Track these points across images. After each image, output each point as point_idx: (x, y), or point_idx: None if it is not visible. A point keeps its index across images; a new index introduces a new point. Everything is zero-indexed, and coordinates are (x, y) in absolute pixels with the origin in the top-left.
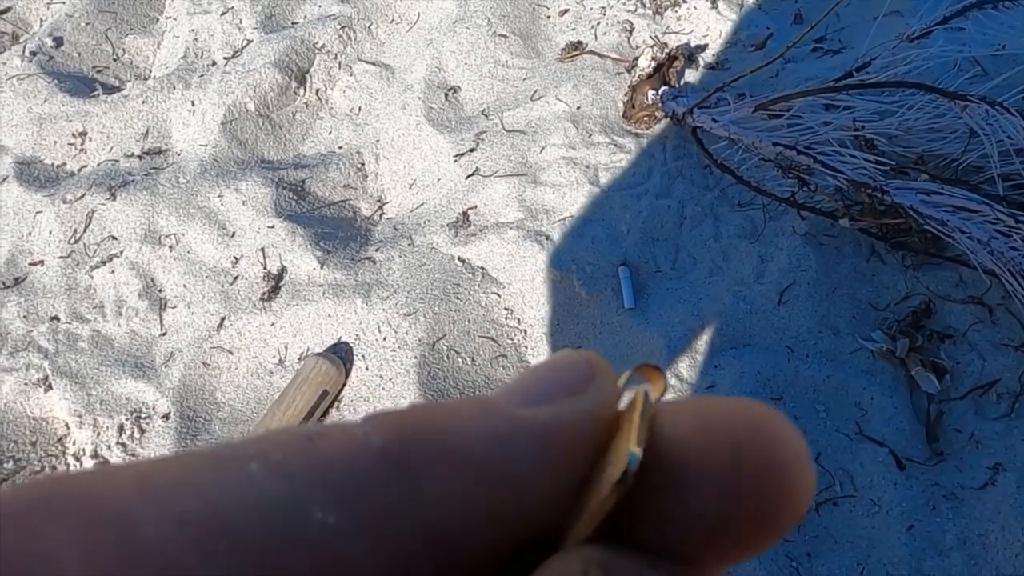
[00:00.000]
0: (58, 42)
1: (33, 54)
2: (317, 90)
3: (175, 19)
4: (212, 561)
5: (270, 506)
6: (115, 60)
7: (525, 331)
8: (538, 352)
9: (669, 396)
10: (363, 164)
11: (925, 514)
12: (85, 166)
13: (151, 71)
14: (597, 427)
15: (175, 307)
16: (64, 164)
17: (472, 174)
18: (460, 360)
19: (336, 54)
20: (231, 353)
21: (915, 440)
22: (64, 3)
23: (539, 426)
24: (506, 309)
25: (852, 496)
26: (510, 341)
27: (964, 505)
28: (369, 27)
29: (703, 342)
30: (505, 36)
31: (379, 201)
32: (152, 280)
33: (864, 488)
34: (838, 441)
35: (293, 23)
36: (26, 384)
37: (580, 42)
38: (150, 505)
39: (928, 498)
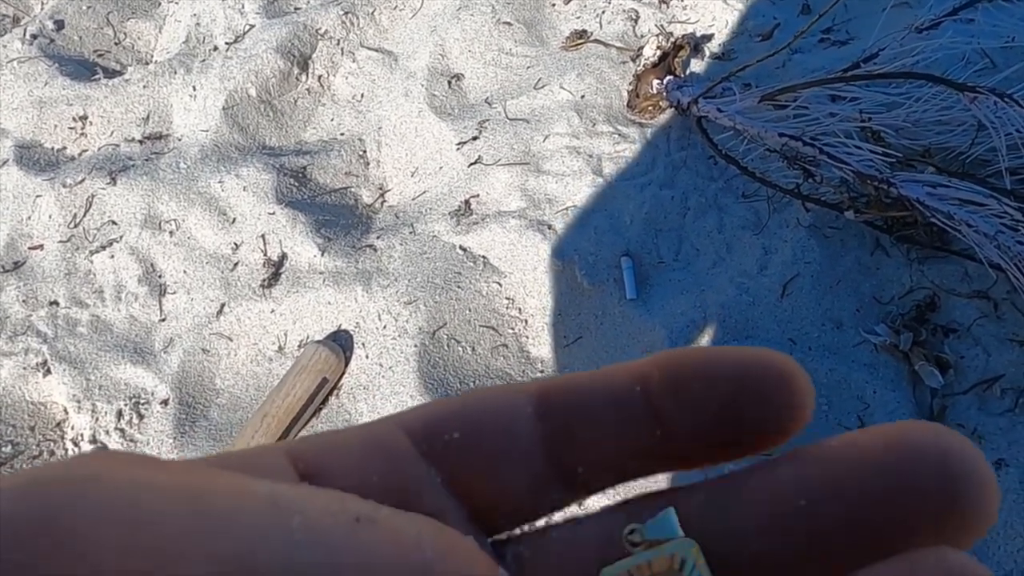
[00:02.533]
0: (59, 25)
1: (34, 37)
2: (319, 76)
3: (177, 3)
4: None
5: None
6: (116, 44)
7: (526, 321)
8: (539, 342)
9: None
10: (365, 151)
11: None
12: (85, 150)
13: (152, 55)
14: None
15: (175, 293)
16: (64, 148)
17: (474, 162)
18: (460, 349)
19: (339, 40)
20: (230, 340)
21: None
22: None
23: None
24: (507, 298)
25: None
26: (511, 331)
27: None
28: (372, 13)
29: (705, 334)
30: (509, 24)
31: (381, 189)
32: (152, 266)
33: None
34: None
35: (296, 8)
36: (25, 368)
37: (585, 30)
38: (198, 543)
39: None
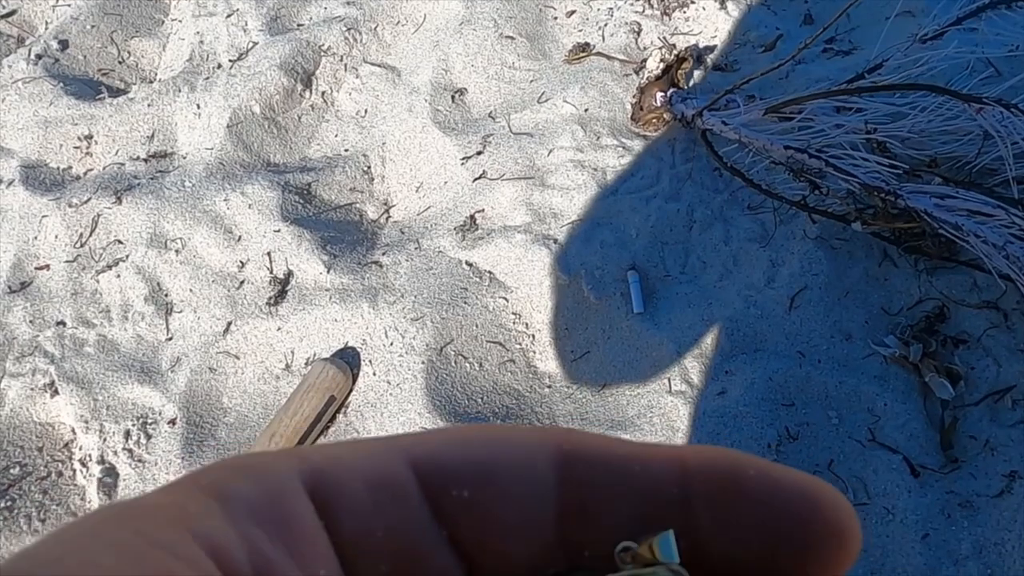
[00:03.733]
0: (63, 45)
1: (39, 57)
2: (323, 93)
3: (180, 21)
4: None
5: None
6: (120, 63)
7: (533, 336)
8: (546, 357)
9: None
10: (369, 167)
11: (940, 522)
12: (91, 169)
13: (156, 74)
14: None
15: (181, 312)
16: (70, 168)
17: (479, 177)
18: (468, 365)
19: (342, 56)
20: (238, 358)
21: (929, 447)
22: (69, 6)
23: None
24: (514, 314)
25: (865, 504)
26: (518, 346)
27: (980, 513)
28: (375, 29)
29: (713, 347)
30: (512, 38)
31: (385, 204)
32: (158, 284)
33: (877, 496)
34: (851, 448)
35: (299, 25)
36: (32, 389)
37: (587, 44)
38: None
39: (943, 506)
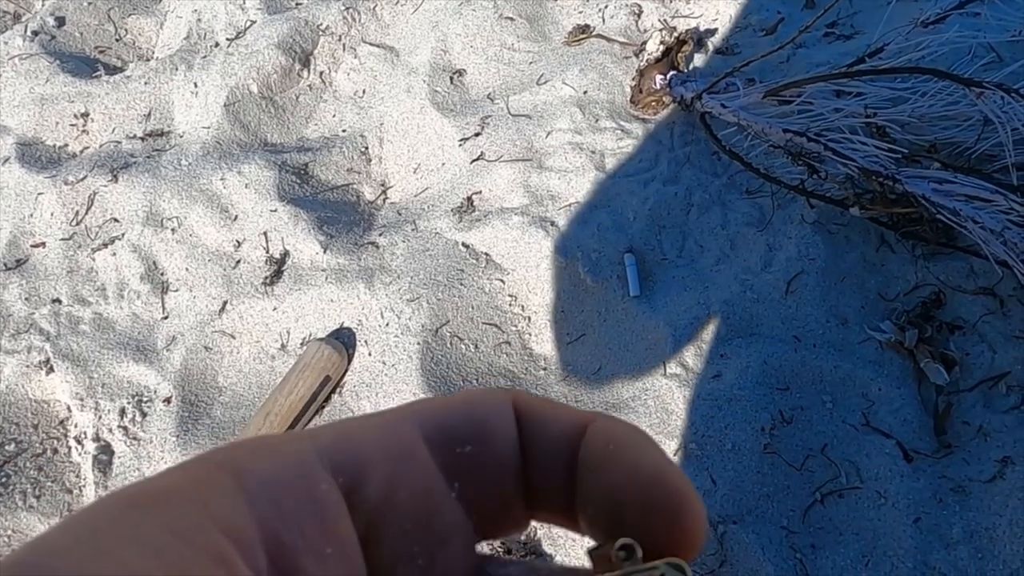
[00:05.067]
0: (60, 22)
1: (35, 34)
2: (321, 72)
3: None
4: None
5: None
6: (117, 40)
7: (529, 318)
8: (542, 339)
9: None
10: (367, 148)
11: (932, 507)
12: (87, 147)
13: (154, 52)
14: None
15: (177, 290)
16: (66, 145)
17: (477, 159)
18: (463, 347)
19: (340, 36)
20: (233, 337)
21: (923, 432)
22: None
23: None
24: (510, 296)
25: (858, 488)
26: (514, 328)
27: (972, 498)
28: (374, 8)
29: (709, 331)
30: (512, 19)
31: (383, 185)
32: (154, 263)
33: (870, 480)
34: (844, 432)
35: (297, 4)
36: (28, 367)
37: (587, 25)
38: None
39: (935, 491)
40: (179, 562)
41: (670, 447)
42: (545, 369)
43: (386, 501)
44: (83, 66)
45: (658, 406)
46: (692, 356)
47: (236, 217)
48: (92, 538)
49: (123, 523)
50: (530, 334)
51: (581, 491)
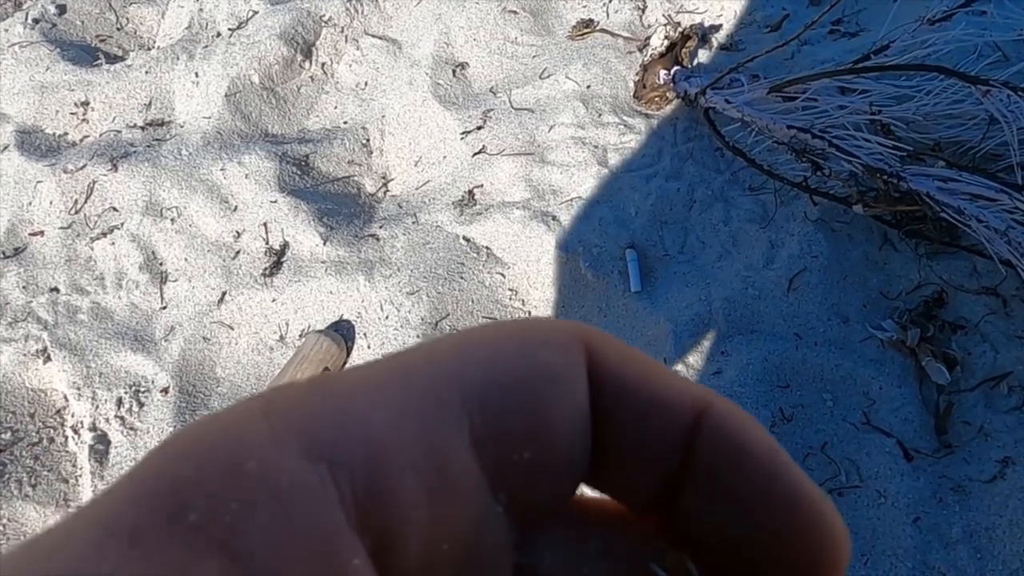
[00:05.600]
0: (61, 9)
1: (36, 21)
2: (323, 64)
3: None
4: None
5: None
6: (118, 29)
7: (529, 312)
8: None
9: None
10: (368, 140)
11: (932, 506)
12: (87, 136)
13: (155, 41)
14: None
15: (176, 281)
16: (66, 134)
17: (479, 152)
18: None
19: (343, 27)
20: (232, 328)
21: (923, 431)
22: None
23: None
24: (510, 290)
25: (858, 486)
26: None
27: (972, 498)
28: (376, 0)
29: (710, 328)
30: (515, 12)
31: (384, 178)
32: (153, 253)
33: (870, 479)
34: (845, 431)
35: None
36: (25, 355)
37: (591, 20)
38: None
39: (935, 490)
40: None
41: None
42: None
43: (427, 558)
44: (84, 54)
45: None
46: (693, 352)
47: (236, 208)
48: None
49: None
50: None
51: (688, 499)
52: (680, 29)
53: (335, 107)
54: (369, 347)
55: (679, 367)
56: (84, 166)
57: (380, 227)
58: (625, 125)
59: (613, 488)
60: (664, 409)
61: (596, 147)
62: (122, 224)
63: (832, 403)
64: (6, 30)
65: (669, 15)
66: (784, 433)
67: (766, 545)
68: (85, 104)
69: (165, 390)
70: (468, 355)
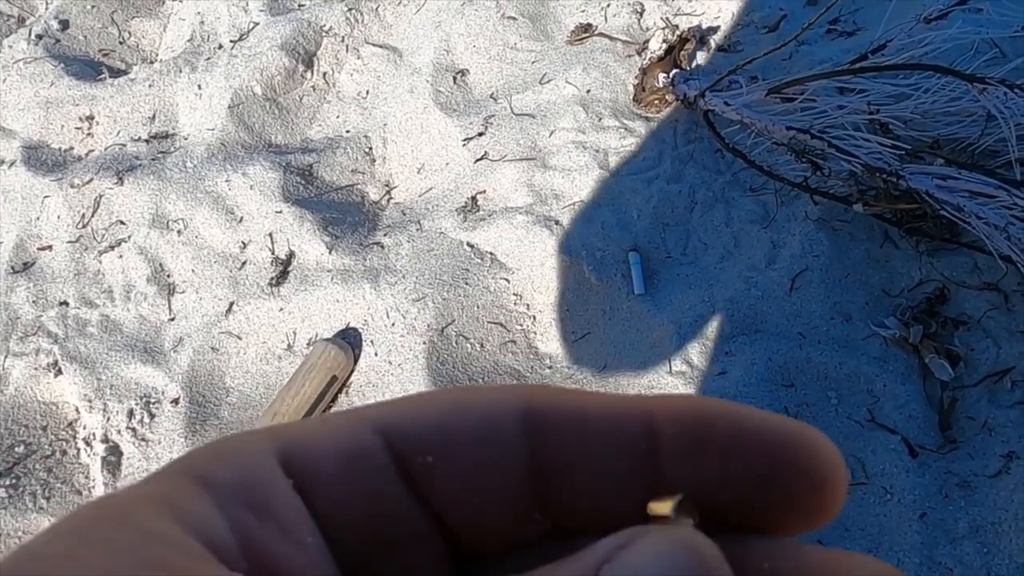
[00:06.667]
0: (64, 25)
1: (39, 37)
2: (324, 73)
3: (180, 1)
4: None
5: None
6: (121, 43)
7: (534, 317)
8: (547, 338)
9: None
10: (371, 148)
11: (937, 502)
12: (92, 150)
13: (157, 54)
14: None
15: (183, 292)
16: (71, 148)
17: (481, 158)
18: (469, 346)
19: (343, 37)
20: (240, 338)
21: (928, 428)
22: None
23: None
24: (515, 295)
25: (863, 484)
26: (519, 327)
27: (977, 493)
28: (376, 9)
29: (714, 328)
30: (514, 18)
31: (387, 186)
32: (160, 265)
33: (876, 475)
34: (850, 428)
35: (300, 5)
36: (36, 369)
37: (590, 24)
38: None
39: (941, 486)
40: (154, 560)
41: None
42: (551, 367)
43: (339, 507)
44: (87, 69)
45: None
46: (697, 353)
47: (242, 219)
48: (68, 547)
49: (96, 530)
50: (535, 333)
51: (671, 479)
52: (678, 32)
53: (337, 116)
54: (376, 354)
55: (683, 368)
56: (90, 180)
57: (384, 235)
58: (625, 128)
59: (596, 506)
60: (604, 426)
61: (597, 151)
62: (129, 237)
63: (837, 401)
64: (10, 46)
65: (667, 18)
66: None
67: (766, 494)
68: (90, 118)
69: (175, 401)
70: (390, 403)
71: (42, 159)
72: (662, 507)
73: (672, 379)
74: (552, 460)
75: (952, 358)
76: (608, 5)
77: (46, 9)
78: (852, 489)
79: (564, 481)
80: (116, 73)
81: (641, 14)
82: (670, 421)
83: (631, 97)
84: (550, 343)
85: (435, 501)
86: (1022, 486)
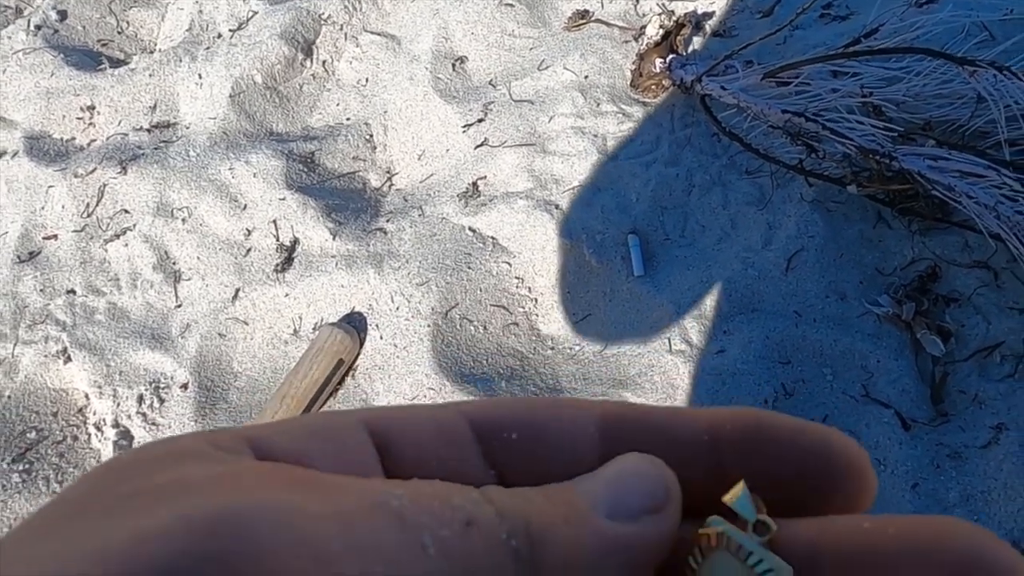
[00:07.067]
0: (62, 15)
1: (38, 28)
2: (323, 62)
3: None
4: None
5: None
6: (119, 33)
7: (536, 299)
8: (549, 320)
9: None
10: (371, 136)
11: (929, 472)
12: (94, 140)
13: (155, 44)
14: (668, 545)
15: (189, 279)
16: (73, 138)
17: (481, 144)
18: (472, 328)
19: (342, 25)
20: (246, 324)
21: (920, 401)
22: None
23: (627, 547)
24: (517, 278)
25: None
26: (521, 309)
27: (967, 464)
28: None
29: (712, 308)
30: (511, 5)
31: (388, 172)
32: (166, 253)
33: (870, 448)
34: (845, 403)
35: None
36: (45, 356)
37: (586, 11)
38: (348, 556)
39: (932, 457)
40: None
41: None
42: (553, 348)
43: (414, 467)
44: (87, 59)
45: (664, 382)
46: (696, 333)
47: (245, 206)
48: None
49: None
50: (537, 315)
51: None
52: (674, 17)
53: (337, 104)
54: (382, 338)
55: (683, 347)
56: (94, 170)
57: (387, 220)
58: (623, 114)
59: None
60: (683, 420)
61: (596, 136)
62: (134, 225)
63: (832, 377)
64: (9, 37)
65: (663, 3)
66: (786, 407)
67: (810, 486)
68: (91, 108)
69: (184, 386)
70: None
71: (44, 149)
72: (732, 494)
73: (672, 358)
74: (623, 451)
75: (943, 334)
76: None
77: (43, 0)
78: None
79: None
80: (116, 63)
81: (637, 0)
82: (729, 420)
83: (628, 82)
84: (552, 324)
85: (512, 480)
86: (1011, 456)
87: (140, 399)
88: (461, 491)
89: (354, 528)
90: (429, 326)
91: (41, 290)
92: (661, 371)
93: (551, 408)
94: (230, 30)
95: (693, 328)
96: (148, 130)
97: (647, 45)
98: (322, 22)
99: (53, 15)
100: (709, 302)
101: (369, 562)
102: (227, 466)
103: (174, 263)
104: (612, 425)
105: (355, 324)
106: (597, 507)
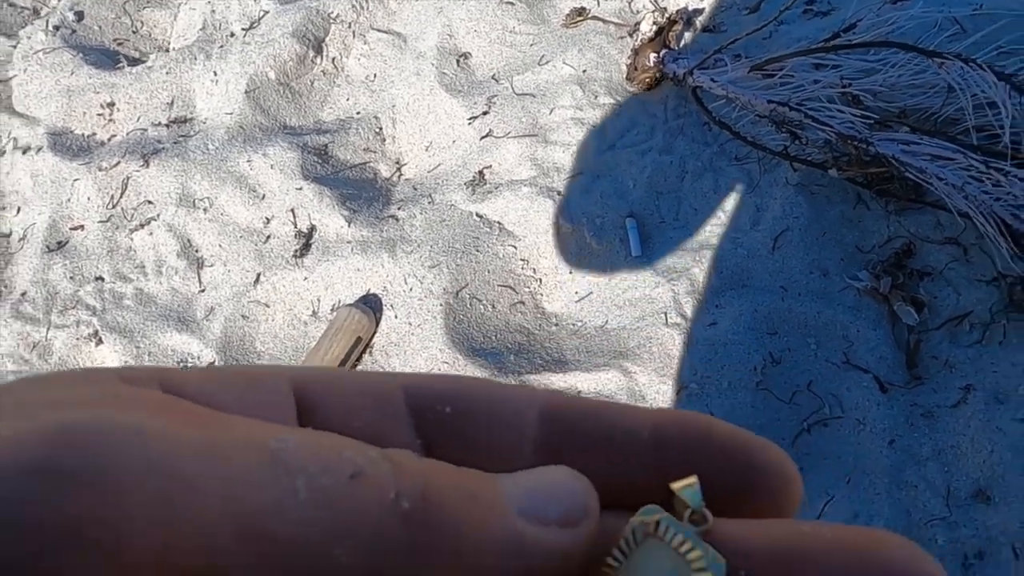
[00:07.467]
0: (79, 16)
1: (56, 28)
2: (333, 59)
3: None
4: (240, 561)
5: (303, 533)
6: (134, 32)
7: (540, 279)
8: (553, 298)
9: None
10: (381, 128)
11: (904, 430)
12: (115, 135)
13: (169, 43)
14: (574, 563)
15: (212, 265)
16: (94, 134)
17: (486, 135)
18: (482, 307)
19: (350, 23)
20: (268, 306)
21: (896, 367)
22: None
23: (530, 546)
24: (522, 260)
25: (840, 417)
26: (527, 289)
27: (939, 421)
28: None
29: (704, 285)
30: (511, 3)
31: (398, 163)
32: (189, 241)
33: (851, 410)
34: (828, 370)
35: None
36: (78, 339)
37: (583, 8)
38: (211, 482)
39: (907, 416)
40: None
41: (673, 388)
42: (557, 325)
43: (339, 427)
44: (104, 58)
45: (661, 352)
46: (690, 307)
47: (264, 196)
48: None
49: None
50: (542, 294)
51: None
52: (666, 14)
53: (347, 99)
54: (396, 317)
55: (678, 320)
56: (117, 163)
57: (398, 208)
58: (620, 105)
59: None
60: (614, 417)
61: (594, 126)
62: (158, 216)
63: (816, 346)
64: (28, 37)
65: (655, 1)
66: (774, 374)
67: (738, 485)
68: (111, 105)
69: (211, 364)
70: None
71: (67, 144)
72: (685, 482)
73: (668, 330)
74: (559, 443)
75: (917, 305)
76: None
77: (60, 0)
78: (830, 422)
79: (575, 462)
80: (133, 62)
81: None
82: (674, 422)
83: (624, 76)
84: (555, 303)
85: (438, 454)
86: (977, 414)
87: None
88: (358, 446)
89: (221, 458)
90: (441, 305)
91: (71, 277)
92: (658, 343)
93: (491, 389)
94: (243, 29)
95: (687, 303)
96: (167, 125)
97: (641, 41)
98: (331, 21)
99: (70, 16)
100: (702, 279)
101: (233, 490)
102: (111, 390)
103: (197, 250)
104: (555, 414)
105: (371, 305)
106: (510, 499)
